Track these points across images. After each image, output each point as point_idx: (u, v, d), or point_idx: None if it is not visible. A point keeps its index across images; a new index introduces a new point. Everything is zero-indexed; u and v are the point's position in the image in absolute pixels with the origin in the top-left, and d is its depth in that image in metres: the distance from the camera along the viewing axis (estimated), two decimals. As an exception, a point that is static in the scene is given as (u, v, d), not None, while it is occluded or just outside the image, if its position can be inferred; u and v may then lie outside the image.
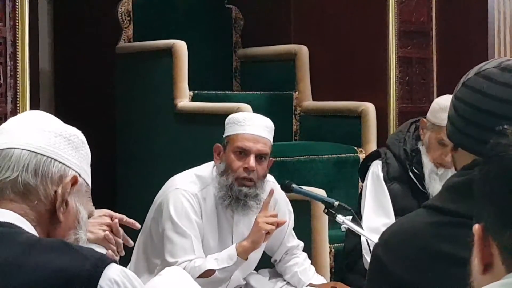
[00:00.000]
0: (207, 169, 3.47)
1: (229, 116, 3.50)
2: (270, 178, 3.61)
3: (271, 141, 3.46)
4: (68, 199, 1.63)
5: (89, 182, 1.71)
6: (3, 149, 1.62)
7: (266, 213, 3.35)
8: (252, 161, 3.35)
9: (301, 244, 3.70)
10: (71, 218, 1.65)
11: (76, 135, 1.68)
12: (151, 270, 3.42)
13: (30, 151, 1.62)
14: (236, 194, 3.36)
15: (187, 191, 3.38)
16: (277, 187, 3.62)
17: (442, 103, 3.70)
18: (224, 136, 3.46)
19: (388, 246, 1.61)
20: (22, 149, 1.62)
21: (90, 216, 1.71)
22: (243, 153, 3.37)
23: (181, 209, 3.35)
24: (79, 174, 1.65)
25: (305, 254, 3.70)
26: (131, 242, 2.74)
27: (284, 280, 3.67)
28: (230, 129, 3.44)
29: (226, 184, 3.36)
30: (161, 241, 3.39)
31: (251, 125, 3.40)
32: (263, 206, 3.35)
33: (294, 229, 3.71)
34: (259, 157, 3.39)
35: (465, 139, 1.62)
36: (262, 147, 3.39)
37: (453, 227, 1.52)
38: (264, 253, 3.65)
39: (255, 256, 3.54)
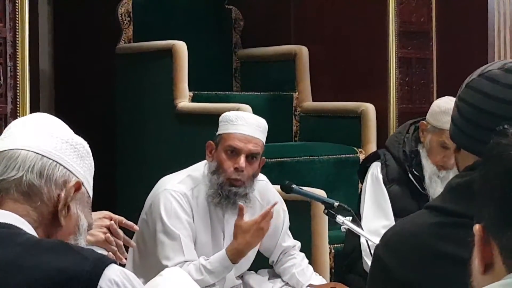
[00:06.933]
0: (200, 167, 3.49)
1: (223, 114, 3.51)
2: (263, 177, 3.62)
3: (264, 141, 3.47)
4: (70, 204, 1.64)
5: (91, 193, 1.72)
6: (10, 149, 1.64)
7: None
8: (242, 161, 3.37)
9: (298, 244, 3.70)
10: (72, 223, 1.66)
11: (82, 144, 1.70)
12: (145, 272, 3.42)
13: (37, 153, 1.63)
14: (226, 193, 3.39)
15: (176, 191, 3.40)
16: (269, 186, 3.63)
17: (442, 106, 3.69)
18: (216, 134, 3.47)
19: (390, 246, 1.61)
20: (29, 150, 1.63)
21: (89, 228, 1.72)
22: (234, 152, 3.39)
23: (170, 209, 3.37)
24: (82, 183, 1.66)
25: (302, 254, 3.70)
26: (133, 244, 2.74)
27: (283, 281, 3.67)
28: (222, 128, 3.45)
29: (217, 183, 3.39)
30: (153, 242, 3.40)
31: (243, 124, 3.42)
32: (239, 211, 3.36)
33: (294, 229, 3.71)
34: (250, 157, 3.40)
35: (468, 140, 1.62)
36: (253, 147, 3.41)
37: (455, 227, 1.52)
38: (262, 253, 3.65)
39: (248, 256, 3.55)
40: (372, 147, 4.79)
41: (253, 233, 3.31)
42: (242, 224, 3.32)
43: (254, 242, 3.35)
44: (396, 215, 3.78)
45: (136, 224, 2.78)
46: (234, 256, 3.34)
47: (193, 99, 4.73)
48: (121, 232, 2.52)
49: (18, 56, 3.62)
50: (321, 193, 3.80)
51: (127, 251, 2.61)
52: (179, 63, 4.60)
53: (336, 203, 3.37)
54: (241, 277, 3.65)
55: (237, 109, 4.00)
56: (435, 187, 3.74)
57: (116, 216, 2.55)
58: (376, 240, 2.73)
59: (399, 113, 4.99)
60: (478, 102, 1.61)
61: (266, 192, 3.60)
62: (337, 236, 4.24)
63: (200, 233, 3.44)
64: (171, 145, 4.64)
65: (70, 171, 1.65)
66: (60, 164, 1.64)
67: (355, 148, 4.85)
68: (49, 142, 1.65)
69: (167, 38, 4.74)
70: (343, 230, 3.97)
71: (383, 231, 1.72)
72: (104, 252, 2.38)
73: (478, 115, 1.60)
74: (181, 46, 4.61)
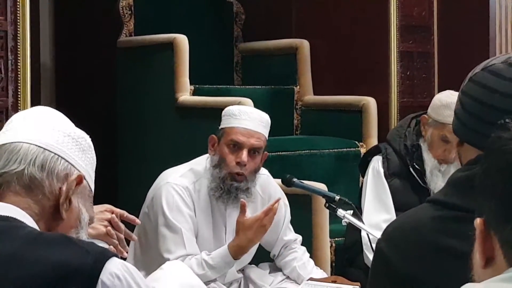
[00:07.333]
0: (202, 161, 3.49)
1: (226, 108, 3.51)
2: (264, 171, 3.62)
3: (266, 136, 3.47)
4: (72, 198, 1.64)
5: (93, 187, 1.72)
6: (12, 142, 1.64)
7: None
8: (244, 155, 3.37)
9: (299, 237, 3.71)
10: (73, 217, 1.66)
11: (85, 138, 1.70)
12: (147, 265, 3.42)
13: (38, 146, 1.63)
14: (227, 187, 3.39)
15: (177, 185, 3.40)
16: (271, 180, 3.63)
17: (444, 100, 3.69)
18: (219, 128, 3.48)
19: (392, 240, 1.61)
20: (31, 143, 1.63)
21: (91, 221, 1.72)
22: (236, 146, 3.39)
23: (172, 202, 3.38)
24: (83, 177, 1.66)
25: (303, 248, 3.71)
26: (135, 237, 2.74)
27: (284, 274, 3.67)
28: (225, 122, 3.46)
29: (218, 177, 3.39)
30: (155, 236, 3.41)
31: (246, 119, 3.42)
32: (241, 208, 3.35)
33: (295, 223, 3.71)
34: (252, 151, 3.41)
35: (471, 134, 1.62)
36: (256, 141, 3.41)
37: (457, 221, 1.52)
38: (263, 247, 3.65)
39: (250, 250, 3.55)
40: (373, 141, 4.79)
41: (256, 230, 3.31)
42: (244, 220, 3.32)
43: (256, 238, 3.35)
44: (397, 209, 3.78)
45: (138, 217, 2.78)
46: (236, 252, 3.34)
47: (194, 93, 4.73)
48: (122, 226, 2.52)
49: (19, 50, 3.61)
50: (322, 187, 3.80)
51: (128, 245, 2.61)
52: (180, 57, 4.59)
53: (337, 197, 3.38)
54: (242, 270, 3.66)
55: (238, 103, 4.00)
56: (436, 181, 3.74)
57: (118, 210, 2.54)
58: (377, 234, 2.73)
59: (401, 107, 4.98)
60: (481, 96, 1.60)
61: (267, 186, 3.60)
62: (338, 230, 4.24)
63: (202, 227, 3.44)
64: (172, 139, 4.64)
65: (71, 164, 1.65)
66: (62, 158, 1.64)
67: (356, 142, 4.85)
68: (51, 135, 1.65)
69: (168, 32, 4.74)
70: (344, 224, 3.97)
71: (384, 225, 1.72)
72: (105, 246, 2.38)
73: (481, 109, 1.60)
74: (182, 40, 4.61)
